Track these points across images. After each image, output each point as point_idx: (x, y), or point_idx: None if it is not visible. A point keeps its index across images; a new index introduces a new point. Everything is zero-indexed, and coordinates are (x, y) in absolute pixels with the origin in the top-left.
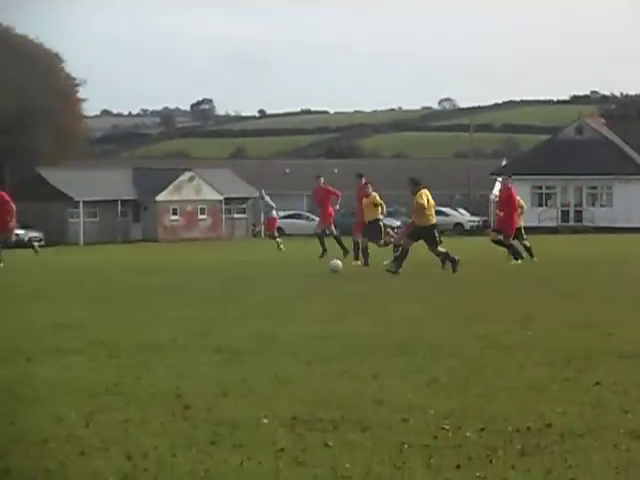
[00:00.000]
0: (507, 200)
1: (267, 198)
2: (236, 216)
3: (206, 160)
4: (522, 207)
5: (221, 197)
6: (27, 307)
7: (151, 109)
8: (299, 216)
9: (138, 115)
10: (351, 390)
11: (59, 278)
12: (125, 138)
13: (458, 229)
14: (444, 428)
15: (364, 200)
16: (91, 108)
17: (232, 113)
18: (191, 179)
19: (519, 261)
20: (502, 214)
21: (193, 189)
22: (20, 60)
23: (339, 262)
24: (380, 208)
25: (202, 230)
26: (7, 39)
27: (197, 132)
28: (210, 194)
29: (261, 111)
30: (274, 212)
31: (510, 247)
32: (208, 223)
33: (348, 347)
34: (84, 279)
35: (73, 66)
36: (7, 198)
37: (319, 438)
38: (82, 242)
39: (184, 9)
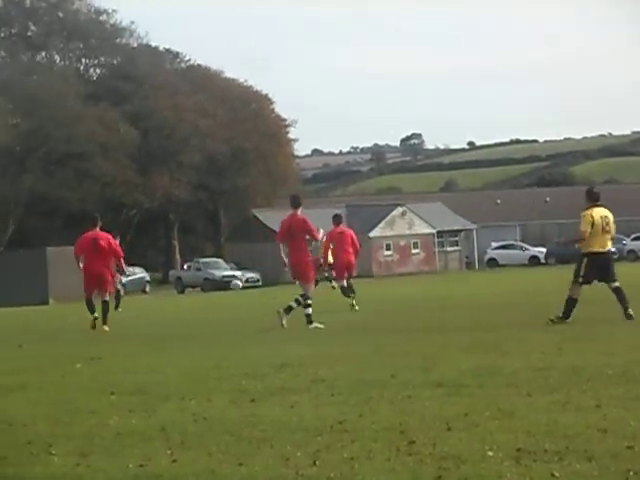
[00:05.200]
0: None
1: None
2: (449, 249)
3: (417, 194)
4: None
5: (433, 230)
6: (252, 347)
7: (361, 146)
8: (512, 246)
9: (349, 153)
10: (575, 420)
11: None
12: (336, 176)
13: None
14: None
15: None
16: (302, 148)
17: (441, 146)
18: (403, 214)
19: None
20: None
21: (406, 224)
22: (230, 103)
23: None
24: None
25: (415, 264)
26: (217, 83)
27: (407, 167)
28: (422, 228)
29: (470, 143)
30: None
31: None
32: (421, 257)
33: (570, 378)
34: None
35: (283, 107)
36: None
37: (545, 469)
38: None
39: (381, 46)
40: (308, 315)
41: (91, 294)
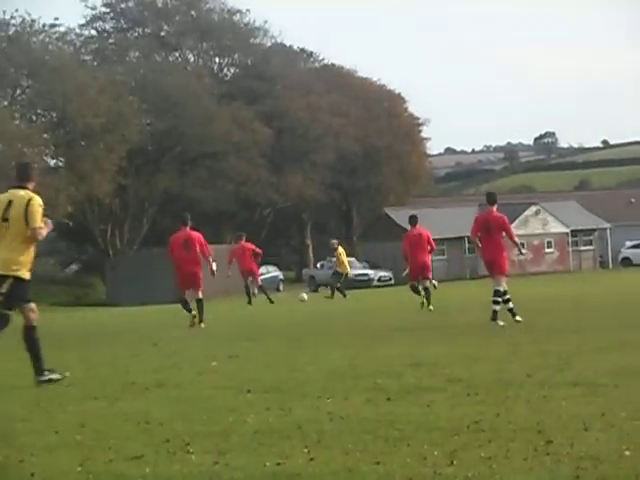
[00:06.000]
0: None
1: None
2: (582, 248)
3: (551, 193)
4: None
5: (567, 229)
6: (387, 346)
7: (494, 145)
8: None
9: (481, 151)
10: None
11: (415, 316)
12: (469, 175)
13: None
14: None
15: None
16: (434, 146)
17: (575, 145)
18: (537, 213)
19: None
20: None
21: (539, 223)
22: (363, 102)
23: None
24: None
25: (549, 263)
26: (350, 82)
27: (541, 165)
28: (556, 227)
29: (604, 141)
30: None
31: None
32: (555, 256)
33: None
34: (439, 316)
35: (416, 106)
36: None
37: None
38: None
39: (521, 44)
40: (495, 312)
41: (184, 292)
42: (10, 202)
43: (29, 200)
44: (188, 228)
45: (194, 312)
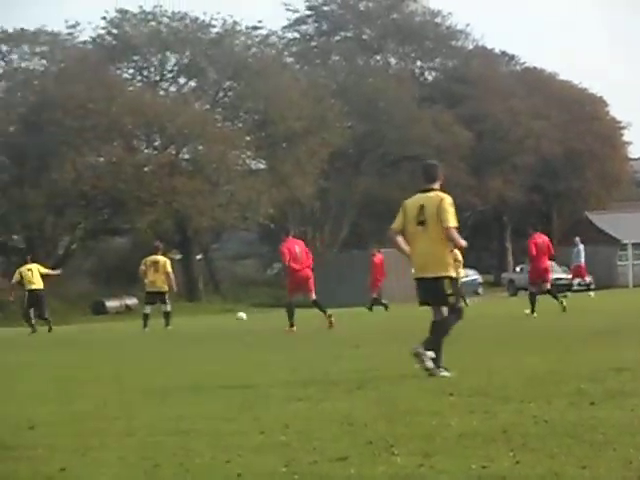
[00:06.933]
0: None
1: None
2: None
3: None
4: None
5: None
6: (588, 350)
7: None
8: None
9: None
10: None
11: (613, 319)
12: None
13: None
14: None
15: None
16: (636, 151)
17: None
18: None
19: None
20: None
21: None
22: (565, 105)
23: None
24: None
25: None
26: (551, 85)
27: None
28: None
29: None
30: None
31: None
32: None
33: None
34: (638, 320)
35: (618, 109)
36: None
37: None
38: (631, 284)
39: None
40: None
41: (294, 296)
42: (422, 206)
43: (440, 201)
44: (291, 237)
45: (295, 328)
